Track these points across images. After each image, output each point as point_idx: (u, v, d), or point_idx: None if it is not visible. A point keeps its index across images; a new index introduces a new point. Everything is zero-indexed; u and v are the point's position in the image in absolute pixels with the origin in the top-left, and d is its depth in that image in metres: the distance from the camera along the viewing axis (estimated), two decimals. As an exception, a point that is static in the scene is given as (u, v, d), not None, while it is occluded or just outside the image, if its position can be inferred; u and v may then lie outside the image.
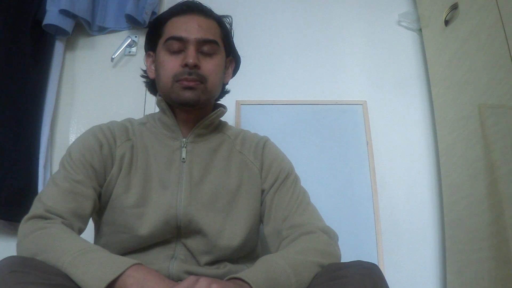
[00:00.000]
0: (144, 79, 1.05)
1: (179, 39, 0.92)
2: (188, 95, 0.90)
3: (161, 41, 0.95)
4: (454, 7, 1.28)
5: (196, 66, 0.90)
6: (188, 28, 0.93)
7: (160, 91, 0.97)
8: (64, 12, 1.43)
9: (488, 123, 1.10)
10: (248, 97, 1.53)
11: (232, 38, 1.05)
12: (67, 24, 1.46)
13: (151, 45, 1.01)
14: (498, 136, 1.05)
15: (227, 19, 1.04)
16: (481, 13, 1.13)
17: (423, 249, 1.39)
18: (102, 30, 1.60)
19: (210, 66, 0.93)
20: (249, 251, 0.95)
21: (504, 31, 1.02)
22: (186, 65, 0.90)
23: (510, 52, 1.00)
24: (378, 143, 1.48)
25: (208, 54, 0.94)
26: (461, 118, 1.24)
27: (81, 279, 0.65)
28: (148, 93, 1.07)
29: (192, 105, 0.92)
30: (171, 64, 0.92)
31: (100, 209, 0.92)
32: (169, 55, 0.93)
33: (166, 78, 0.92)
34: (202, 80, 0.91)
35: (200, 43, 0.93)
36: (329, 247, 0.83)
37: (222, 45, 0.98)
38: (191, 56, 0.90)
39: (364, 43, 1.62)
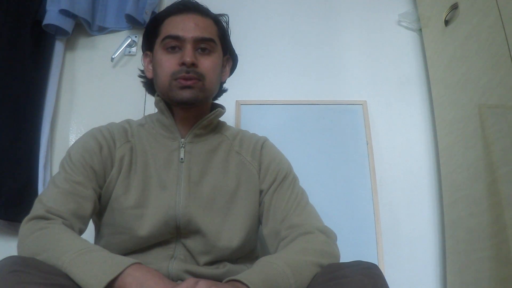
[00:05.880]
0: (142, 79, 1.06)
1: (176, 38, 0.92)
2: (186, 94, 0.90)
3: (158, 41, 0.96)
4: (454, 7, 1.28)
5: (193, 65, 0.90)
6: (185, 27, 0.93)
7: (158, 90, 0.97)
8: (64, 12, 1.43)
9: (488, 123, 1.10)
10: (248, 97, 1.53)
11: (229, 37, 1.05)
12: (67, 24, 1.46)
13: (148, 45, 1.01)
14: (498, 136, 1.05)
15: (224, 18, 1.04)
16: (481, 13, 1.13)
17: (423, 249, 1.39)
18: (102, 30, 1.60)
19: (207, 64, 0.93)
20: (248, 252, 0.95)
21: (504, 31, 1.02)
22: (183, 63, 0.90)
23: (510, 52, 1.00)
24: (378, 143, 1.48)
25: (205, 53, 0.94)
26: (461, 118, 1.24)
27: (81, 278, 0.65)
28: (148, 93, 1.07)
29: (190, 103, 0.92)
30: (168, 63, 0.92)
31: (100, 210, 0.92)
32: (166, 54, 0.93)
33: (164, 77, 0.92)
34: (200, 78, 0.91)
35: (197, 41, 0.93)
36: (328, 247, 0.83)
37: (219, 44, 0.98)
38: (188, 54, 0.90)
39: (364, 43, 1.62)
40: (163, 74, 0.92)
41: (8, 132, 1.35)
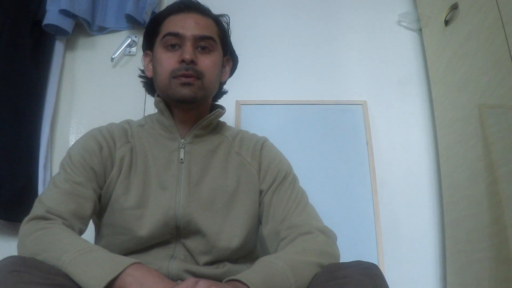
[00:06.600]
0: (142, 79, 1.06)
1: (176, 35, 0.92)
2: (185, 91, 0.90)
3: (159, 39, 0.96)
4: (454, 7, 1.28)
5: (193, 62, 0.90)
6: (185, 25, 0.93)
7: (158, 89, 0.97)
8: (64, 12, 1.43)
9: (488, 123, 1.10)
10: (248, 97, 1.53)
11: (229, 37, 1.05)
12: (67, 24, 1.46)
13: (148, 44, 1.01)
14: (498, 136, 1.05)
15: (224, 18, 1.04)
16: (481, 13, 1.13)
17: (423, 249, 1.39)
18: (102, 30, 1.60)
19: (207, 62, 0.93)
20: (248, 252, 0.95)
21: (504, 31, 1.02)
22: (183, 61, 0.90)
23: (510, 52, 1.00)
24: (378, 143, 1.48)
25: (205, 51, 0.94)
26: (461, 118, 1.24)
27: (81, 278, 0.65)
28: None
29: (189, 101, 0.92)
30: (168, 61, 0.92)
31: (100, 211, 0.92)
32: (166, 52, 0.93)
33: (164, 75, 0.92)
34: (199, 76, 0.91)
35: (197, 39, 0.93)
36: (327, 247, 0.83)
37: (219, 43, 0.99)
38: (188, 52, 0.90)
39: (364, 43, 1.62)
40: (163, 71, 0.92)
41: (8, 132, 1.35)
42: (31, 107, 1.42)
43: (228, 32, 1.05)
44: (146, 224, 0.86)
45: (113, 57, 1.52)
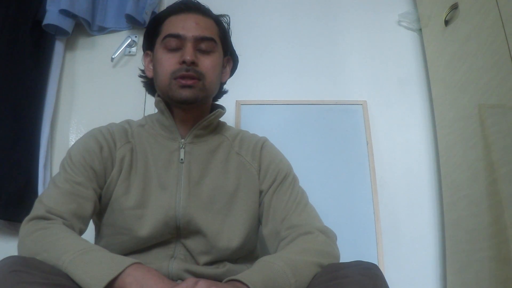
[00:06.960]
0: (142, 79, 1.06)
1: (177, 37, 0.92)
2: (185, 93, 0.90)
3: (159, 40, 0.96)
4: (454, 7, 1.28)
5: (193, 63, 0.90)
6: (186, 25, 0.93)
7: (158, 89, 0.97)
8: (64, 12, 1.43)
9: (488, 123, 1.10)
10: (248, 97, 1.53)
11: (230, 38, 1.05)
12: (67, 24, 1.46)
13: (149, 44, 1.01)
14: (498, 136, 1.05)
15: (225, 19, 1.04)
16: (481, 13, 1.13)
17: (423, 249, 1.39)
18: (102, 30, 1.60)
19: (207, 63, 0.93)
20: (248, 252, 0.95)
21: (504, 31, 1.02)
22: (183, 62, 0.90)
23: (510, 52, 1.00)
24: (378, 143, 1.48)
25: (206, 52, 0.94)
26: (461, 118, 1.24)
27: (81, 278, 0.65)
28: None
29: (190, 102, 0.92)
30: (169, 62, 0.92)
31: (100, 211, 0.92)
32: (167, 53, 0.93)
33: (164, 76, 0.92)
34: (200, 77, 0.91)
35: (198, 40, 0.93)
36: (327, 247, 0.83)
37: (220, 44, 0.99)
38: (188, 53, 0.90)
39: (364, 43, 1.62)
40: (163, 72, 0.92)
41: (8, 132, 1.35)
42: (31, 107, 1.42)
43: (229, 32, 1.05)
44: (146, 224, 0.86)
45: (113, 57, 1.52)
